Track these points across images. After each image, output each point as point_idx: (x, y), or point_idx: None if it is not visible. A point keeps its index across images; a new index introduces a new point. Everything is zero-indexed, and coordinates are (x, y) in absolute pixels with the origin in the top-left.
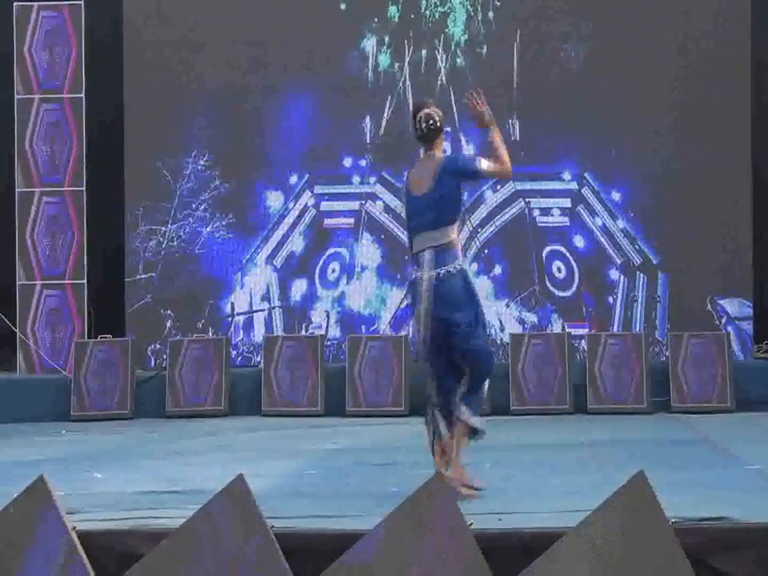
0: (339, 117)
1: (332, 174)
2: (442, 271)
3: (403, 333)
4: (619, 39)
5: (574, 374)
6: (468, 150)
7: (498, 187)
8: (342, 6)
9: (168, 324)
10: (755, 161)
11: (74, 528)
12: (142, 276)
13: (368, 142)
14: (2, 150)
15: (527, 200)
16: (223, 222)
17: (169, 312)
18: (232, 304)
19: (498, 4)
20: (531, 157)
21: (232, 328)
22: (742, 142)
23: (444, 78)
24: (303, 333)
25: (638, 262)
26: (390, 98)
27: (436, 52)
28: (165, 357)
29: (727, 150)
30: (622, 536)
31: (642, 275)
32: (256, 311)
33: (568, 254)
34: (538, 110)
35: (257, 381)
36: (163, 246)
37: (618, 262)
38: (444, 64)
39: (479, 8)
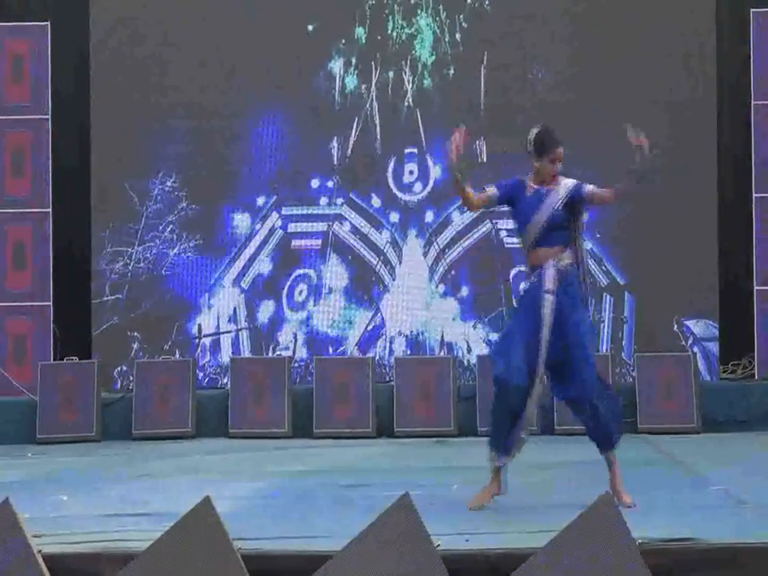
0: (306, 138)
1: (299, 196)
2: None
3: (370, 354)
4: (586, 61)
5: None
6: (435, 171)
7: (465, 209)
8: (309, 28)
9: (134, 346)
10: (720, 183)
11: (40, 551)
12: (109, 297)
13: (335, 163)
14: None
15: (494, 221)
16: (190, 244)
17: (135, 334)
18: (199, 326)
19: (466, 26)
20: (498, 179)
21: (199, 350)
22: (708, 164)
23: (411, 100)
24: (270, 354)
25: (605, 283)
26: (356, 119)
27: (403, 73)
28: (131, 379)
29: (693, 172)
30: (589, 556)
31: (608, 296)
32: (223, 333)
33: None
34: (505, 132)
35: (223, 402)
36: (130, 267)
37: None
38: (411, 86)
39: (446, 30)
